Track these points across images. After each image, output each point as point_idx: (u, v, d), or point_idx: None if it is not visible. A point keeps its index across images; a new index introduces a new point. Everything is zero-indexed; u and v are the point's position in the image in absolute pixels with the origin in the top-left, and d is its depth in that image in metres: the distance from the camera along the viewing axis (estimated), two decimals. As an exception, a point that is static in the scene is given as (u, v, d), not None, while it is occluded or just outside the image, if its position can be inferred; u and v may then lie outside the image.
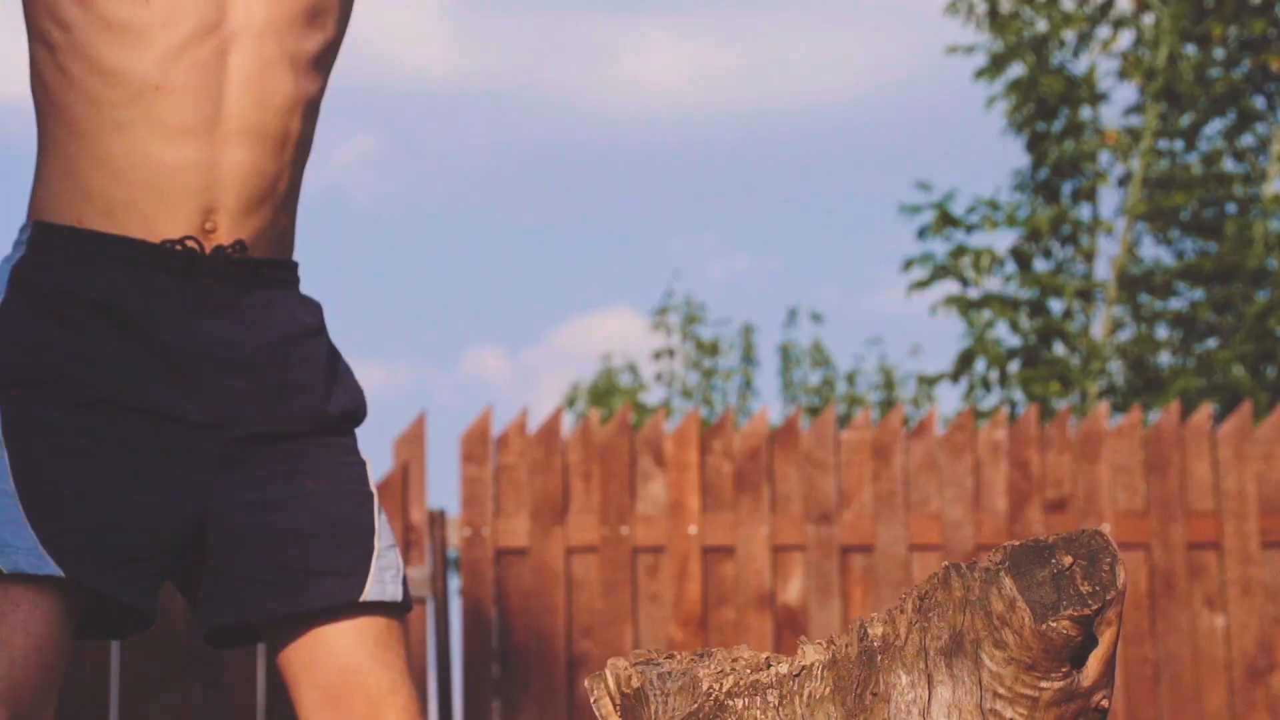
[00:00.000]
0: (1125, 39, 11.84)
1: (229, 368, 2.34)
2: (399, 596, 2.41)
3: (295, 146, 2.40)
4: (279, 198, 2.39)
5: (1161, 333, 11.68)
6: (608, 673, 1.63)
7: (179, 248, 2.32)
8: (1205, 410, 6.15)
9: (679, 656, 1.62)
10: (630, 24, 25.31)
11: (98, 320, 2.30)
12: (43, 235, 2.33)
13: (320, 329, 2.44)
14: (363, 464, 2.45)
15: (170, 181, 2.32)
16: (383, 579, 2.41)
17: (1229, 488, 6.00)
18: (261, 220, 2.37)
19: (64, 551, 2.23)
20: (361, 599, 2.38)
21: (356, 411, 2.46)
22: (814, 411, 14.51)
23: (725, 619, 5.85)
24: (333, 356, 2.45)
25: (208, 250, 2.32)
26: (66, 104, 2.34)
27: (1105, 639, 1.43)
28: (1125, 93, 24.24)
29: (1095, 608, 1.41)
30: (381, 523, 2.43)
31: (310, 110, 2.42)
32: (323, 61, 2.44)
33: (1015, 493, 5.96)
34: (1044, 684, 1.42)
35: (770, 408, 6.48)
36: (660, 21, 24.87)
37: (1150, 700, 5.88)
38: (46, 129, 2.37)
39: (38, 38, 2.37)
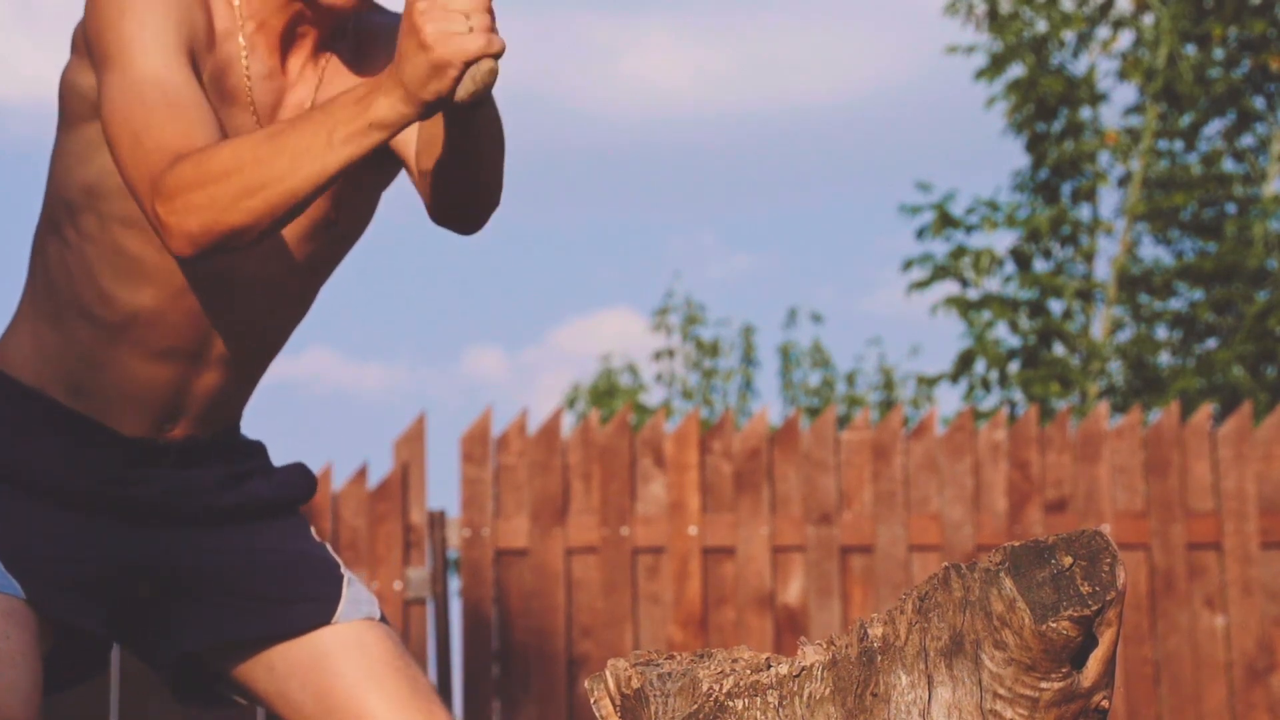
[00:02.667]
0: (1125, 39, 11.84)
1: (176, 489, 2.41)
2: (375, 615, 2.44)
3: (273, 355, 2.44)
4: (243, 395, 2.44)
5: (1161, 333, 11.68)
6: (608, 673, 1.64)
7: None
8: (1205, 410, 6.15)
9: (679, 657, 1.62)
10: (630, 24, 25.31)
11: (50, 450, 2.36)
12: (1, 387, 2.36)
13: (255, 469, 2.49)
14: (306, 520, 2.52)
15: (141, 392, 2.35)
16: (357, 599, 2.44)
17: (1229, 488, 6.00)
18: (219, 418, 2.41)
19: (25, 575, 2.30)
20: (334, 620, 2.41)
21: (294, 499, 2.50)
22: (814, 412, 14.50)
23: (725, 619, 5.85)
24: (264, 476, 2.50)
25: (159, 441, 2.38)
26: (59, 292, 2.35)
27: (1105, 639, 1.43)
28: (1125, 93, 24.25)
29: (1095, 608, 1.41)
30: (341, 560, 2.50)
31: (297, 322, 2.44)
32: (321, 285, 2.46)
33: (1015, 493, 5.96)
34: (1044, 684, 1.42)
35: (770, 408, 6.48)
36: (660, 21, 24.87)
37: (1150, 700, 5.88)
38: (35, 293, 2.38)
39: (49, 221, 2.35)
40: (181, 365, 2.32)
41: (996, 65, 11.49)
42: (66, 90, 2.26)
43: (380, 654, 2.41)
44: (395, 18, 2.34)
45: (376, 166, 2.34)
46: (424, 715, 2.38)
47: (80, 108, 2.24)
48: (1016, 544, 1.43)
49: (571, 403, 15.48)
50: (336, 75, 2.30)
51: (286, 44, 2.26)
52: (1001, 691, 1.43)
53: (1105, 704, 1.46)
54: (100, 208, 2.27)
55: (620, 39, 25.09)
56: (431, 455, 5.82)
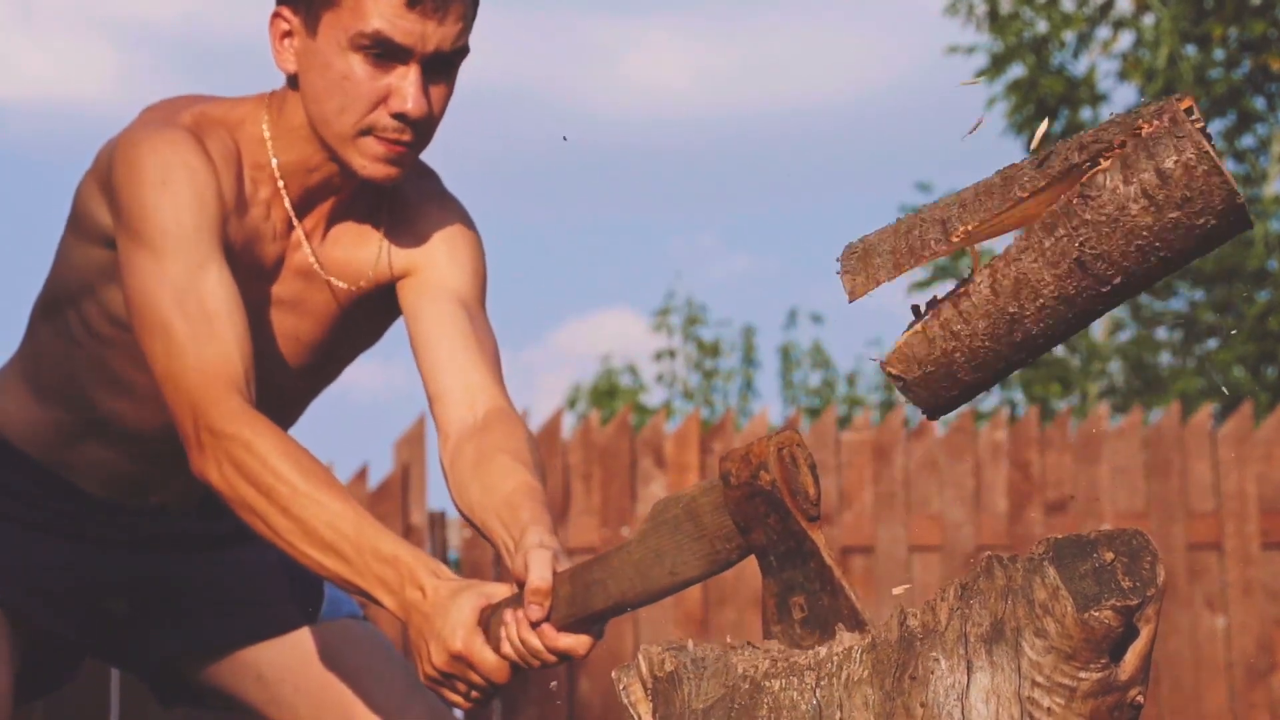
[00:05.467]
0: (1125, 40, 11.85)
1: (149, 530, 2.43)
2: (358, 614, 2.45)
3: None
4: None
5: (1162, 334, 11.68)
6: (640, 658, 1.64)
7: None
8: (1205, 411, 6.15)
9: (712, 644, 1.63)
10: (631, 24, 25.32)
11: (24, 491, 2.39)
12: None
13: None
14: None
15: (114, 476, 2.38)
16: (338, 600, 2.45)
17: (1229, 489, 5.99)
18: (196, 495, 2.41)
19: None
20: (318, 620, 2.42)
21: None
22: (814, 413, 14.50)
23: (726, 619, 5.84)
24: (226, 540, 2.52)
25: (131, 504, 2.40)
26: (45, 373, 2.36)
27: (1144, 634, 1.45)
28: (1125, 94, 24.26)
29: (1137, 602, 1.42)
30: None
31: (289, 428, 2.45)
32: (316, 396, 2.47)
33: (1015, 494, 5.96)
34: (1083, 674, 1.43)
35: (771, 409, 6.48)
36: (660, 21, 24.87)
37: (1150, 700, 5.88)
38: (26, 358, 2.39)
39: (47, 302, 2.35)
40: (156, 464, 2.35)
41: (997, 65, 11.49)
42: (80, 207, 2.26)
43: (370, 648, 2.42)
44: (432, 183, 2.33)
45: (382, 314, 2.35)
46: (421, 704, 2.39)
47: (88, 229, 2.25)
48: (1059, 537, 1.44)
49: (572, 403, 15.47)
50: (382, 244, 2.29)
51: (312, 201, 2.26)
52: (1040, 680, 1.43)
53: (1140, 699, 1.47)
54: (88, 320, 2.29)
55: (621, 39, 25.09)
56: (432, 456, 5.80)
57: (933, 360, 1.48)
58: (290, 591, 2.44)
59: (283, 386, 2.29)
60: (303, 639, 2.42)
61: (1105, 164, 1.41)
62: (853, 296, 1.49)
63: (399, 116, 2.12)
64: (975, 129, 1.88)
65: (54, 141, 24.81)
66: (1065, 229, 1.41)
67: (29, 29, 24.08)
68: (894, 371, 1.50)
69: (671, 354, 15.37)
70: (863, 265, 1.51)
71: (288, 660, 2.43)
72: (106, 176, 2.18)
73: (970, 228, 1.46)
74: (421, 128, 2.15)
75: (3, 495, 2.37)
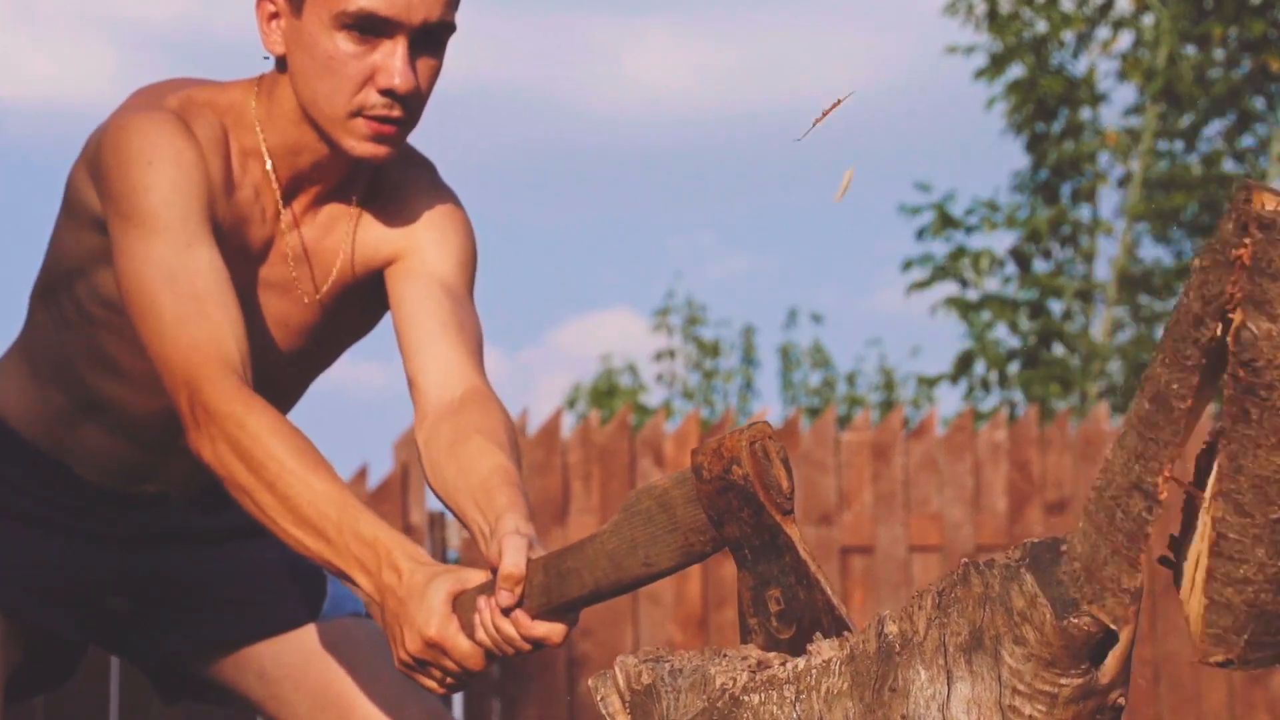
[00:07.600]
0: (1125, 40, 11.84)
1: (148, 523, 2.43)
2: (361, 612, 2.45)
3: None
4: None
5: (1161, 333, 11.66)
6: (616, 670, 1.63)
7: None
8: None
9: (688, 654, 1.62)
10: (630, 24, 25.31)
11: (22, 481, 2.39)
12: None
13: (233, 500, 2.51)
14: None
15: (111, 462, 2.37)
16: (339, 598, 2.45)
17: (1229, 489, 5.99)
18: (195, 484, 2.41)
19: None
20: (319, 618, 2.42)
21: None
22: (814, 412, 14.49)
23: (725, 619, 5.84)
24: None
25: (130, 492, 2.40)
26: (41, 356, 2.36)
27: (1124, 637, 1.43)
28: (1125, 93, 24.26)
29: None
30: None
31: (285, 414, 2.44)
32: (311, 383, 2.46)
33: (1015, 494, 5.96)
34: (1063, 681, 1.42)
35: (770, 408, 6.48)
36: (660, 21, 24.85)
37: (1150, 700, 5.88)
38: (24, 341, 2.39)
39: (44, 285, 2.35)
40: (152, 450, 2.35)
41: (996, 65, 11.49)
42: (71, 192, 2.26)
43: (370, 647, 2.42)
44: (424, 171, 2.32)
45: (372, 302, 2.34)
46: (418, 706, 2.38)
47: (79, 214, 2.25)
48: (1035, 541, 1.43)
49: (571, 403, 15.46)
50: (370, 229, 2.28)
51: (301, 185, 2.25)
52: (1021, 687, 1.42)
53: (1121, 701, 1.46)
54: (81, 301, 2.29)
55: (621, 39, 25.08)
56: (432, 455, 5.80)
57: (1245, 621, 1.34)
58: (292, 589, 2.44)
59: (273, 372, 2.29)
60: (304, 637, 2.42)
61: (1235, 316, 1.23)
62: (1118, 622, 1.38)
63: (387, 93, 2.12)
64: (844, 190, 1.77)
65: (54, 141, 24.79)
66: (1256, 405, 1.24)
67: (29, 29, 24.07)
68: (1219, 659, 1.35)
69: (671, 354, 15.36)
70: (1098, 587, 1.37)
71: (289, 658, 2.43)
72: (95, 160, 2.18)
73: (1168, 471, 1.32)
74: (410, 104, 2.14)
75: (2, 489, 2.36)
